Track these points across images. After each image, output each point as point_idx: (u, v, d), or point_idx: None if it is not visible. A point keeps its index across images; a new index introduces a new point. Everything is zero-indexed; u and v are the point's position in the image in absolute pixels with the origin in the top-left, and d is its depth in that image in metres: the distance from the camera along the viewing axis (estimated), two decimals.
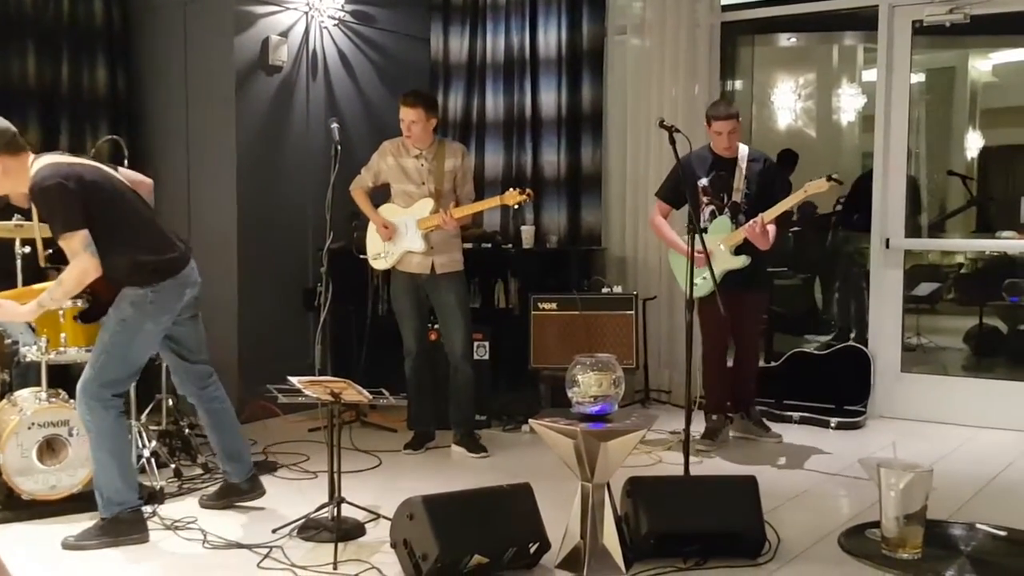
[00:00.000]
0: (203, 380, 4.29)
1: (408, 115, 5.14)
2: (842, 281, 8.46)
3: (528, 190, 5.14)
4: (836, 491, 4.67)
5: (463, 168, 5.30)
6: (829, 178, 5.07)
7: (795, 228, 8.40)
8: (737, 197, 5.31)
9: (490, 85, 7.27)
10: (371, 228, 5.38)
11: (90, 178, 3.78)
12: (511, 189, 5.15)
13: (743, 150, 5.38)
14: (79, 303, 4.32)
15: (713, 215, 5.33)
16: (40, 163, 3.75)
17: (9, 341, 4.71)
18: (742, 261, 5.22)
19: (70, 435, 4.21)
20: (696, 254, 4.73)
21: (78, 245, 3.68)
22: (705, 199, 5.33)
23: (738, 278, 5.19)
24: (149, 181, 4.59)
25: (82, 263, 3.70)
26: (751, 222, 5.15)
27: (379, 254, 5.34)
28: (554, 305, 6.06)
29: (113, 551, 3.77)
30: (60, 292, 3.80)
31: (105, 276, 3.81)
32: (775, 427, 5.64)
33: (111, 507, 3.88)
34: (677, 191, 5.36)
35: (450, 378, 5.39)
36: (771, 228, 5.24)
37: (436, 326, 5.53)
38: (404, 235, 5.24)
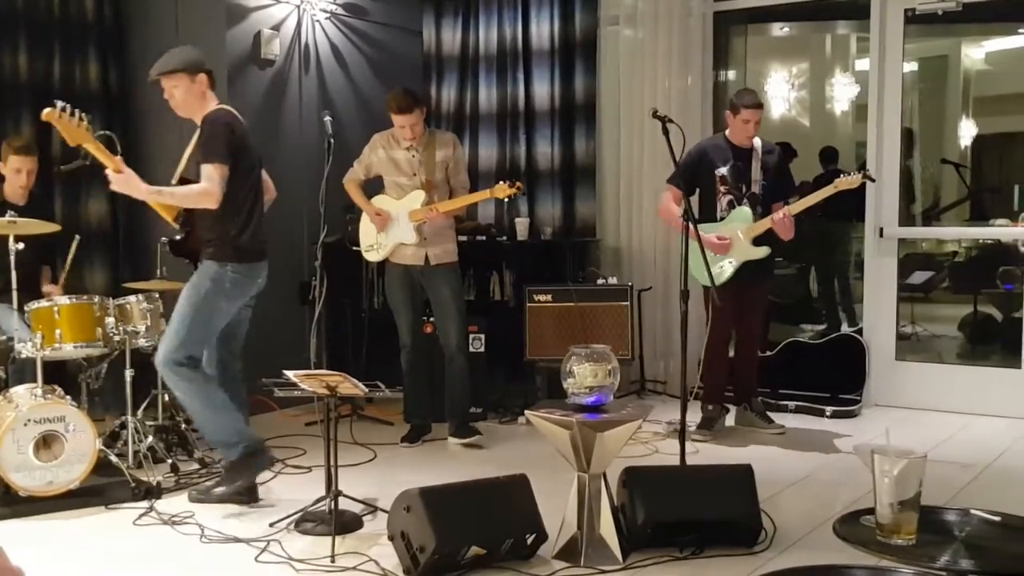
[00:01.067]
0: (231, 365, 4.47)
1: (407, 121, 5.13)
2: (837, 271, 8.49)
3: (519, 183, 5.14)
4: (832, 479, 4.68)
5: (455, 158, 5.30)
6: (863, 175, 5.11)
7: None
8: (755, 188, 5.33)
9: (483, 77, 7.27)
10: (364, 220, 5.38)
11: (248, 144, 4.32)
12: (501, 182, 5.15)
13: (757, 141, 5.40)
14: (178, 233, 4.50)
15: (732, 205, 5.33)
16: (222, 107, 4.37)
17: (4, 338, 4.70)
18: (764, 252, 5.24)
19: (66, 431, 4.21)
20: (718, 241, 4.82)
21: (216, 175, 4.13)
22: (723, 188, 5.34)
23: (753, 270, 5.25)
24: (274, 193, 4.76)
25: (209, 188, 4.12)
26: (780, 212, 5.16)
27: (372, 246, 5.34)
28: (549, 297, 6.06)
29: (105, 548, 3.77)
30: (178, 196, 4.25)
31: (205, 225, 4.24)
32: (773, 417, 5.64)
33: (235, 448, 4.20)
34: (691, 179, 5.36)
35: (445, 370, 5.39)
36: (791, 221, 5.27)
37: (431, 318, 5.53)
38: (396, 227, 5.24)
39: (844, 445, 5.25)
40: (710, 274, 4.53)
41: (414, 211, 5.18)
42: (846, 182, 5.10)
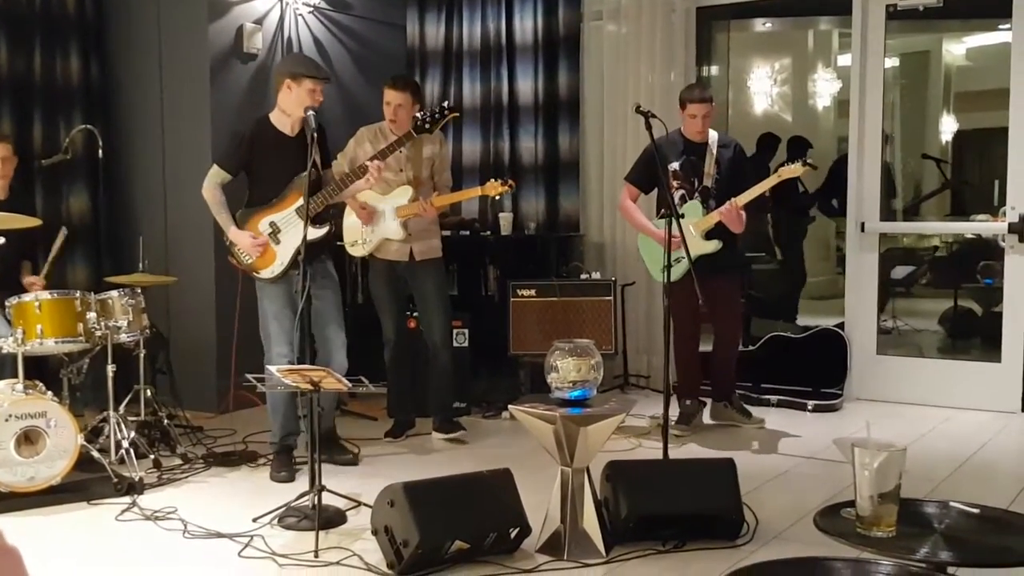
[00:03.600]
0: None
1: (395, 99, 5.12)
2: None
3: (510, 181, 5.14)
4: (813, 472, 4.71)
5: (441, 155, 5.30)
6: (804, 163, 5.09)
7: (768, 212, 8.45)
8: (708, 182, 5.31)
9: (467, 72, 7.27)
10: (348, 215, 5.35)
11: None
12: (492, 180, 5.14)
13: (712, 135, 5.38)
14: (328, 226, 4.67)
15: (683, 199, 5.32)
16: None
17: None
18: (714, 245, 5.23)
19: (48, 427, 4.19)
20: (666, 237, 4.78)
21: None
22: (675, 183, 5.33)
23: (710, 264, 5.17)
24: None
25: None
26: (727, 205, 5.15)
27: (356, 241, 5.32)
28: (533, 291, 6.07)
29: (88, 544, 3.76)
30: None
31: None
32: (754, 411, 5.67)
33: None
34: (647, 175, 5.35)
35: (429, 365, 5.39)
36: (743, 214, 5.26)
37: (414, 313, 5.53)
38: (382, 222, 5.23)
39: (825, 439, 5.28)
40: (667, 272, 4.49)
41: (401, 207, 5.16)
42: (789, 171, 5.08)
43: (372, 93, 5.43)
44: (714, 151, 5.33)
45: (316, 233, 4.50)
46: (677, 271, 4.90)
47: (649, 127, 4.42)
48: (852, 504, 2.39)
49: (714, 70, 7.52)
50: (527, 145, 7.08)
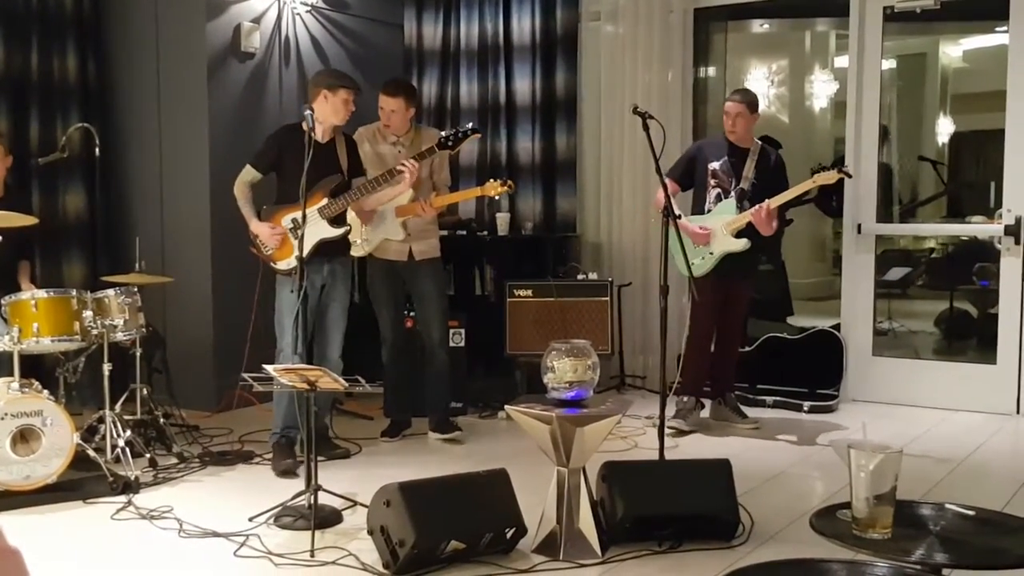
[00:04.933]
0: None
1: (389, 104, 5.16)
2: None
3: (510, 181, 5.15)
4: (809, 473, 4.72)
5: (439, 155, 5.29)
6: (840, 170, 5.18)
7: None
8: (745, 184, 5.39)
9: (464, 72, 7.27)
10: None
11: None
12: (492, 180, 5.15)
13: (758, 142, 5.50)
14: (347, 226, 4.87)
15: (719, 198, 5.40)
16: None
17: None
18: (743, 244, 5.30)
19: (44, 425, 4.18)
20: (699, 231, 4.89)
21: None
22: (713, 182, 5.43)
23: (735, 265, 5.31)
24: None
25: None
26: (757, 206, 5.22)
27: (356, 240, 5.31)
28: (529, 292, 6.07)
29: (84, 543, 3.76)
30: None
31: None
32: (750, 412, 5.69)
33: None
34: (688, 172, 5.48)
35: (426, 365, 5.39)
36: (774, 216, 5.30)
37: (412, 313, 5.53)
38: (382, 222, 5.22)
39: (821, 440, 5.29)
40: (688, 265, 4.61)
41: (401, 207, 5.17)
42: (824, 177, 5.17)
43: (370, 92, 5.42)
44: (755, 156, 5.42)
45: (334, 232, 4.75)
46: (703, 267, 5.06)
47: (647, 128, 4.43)
48: (848, 506, 2.39)
49: (711, 71, 7.52)
50: (524, 145, 7.08)
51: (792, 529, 3.80)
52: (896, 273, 8.54)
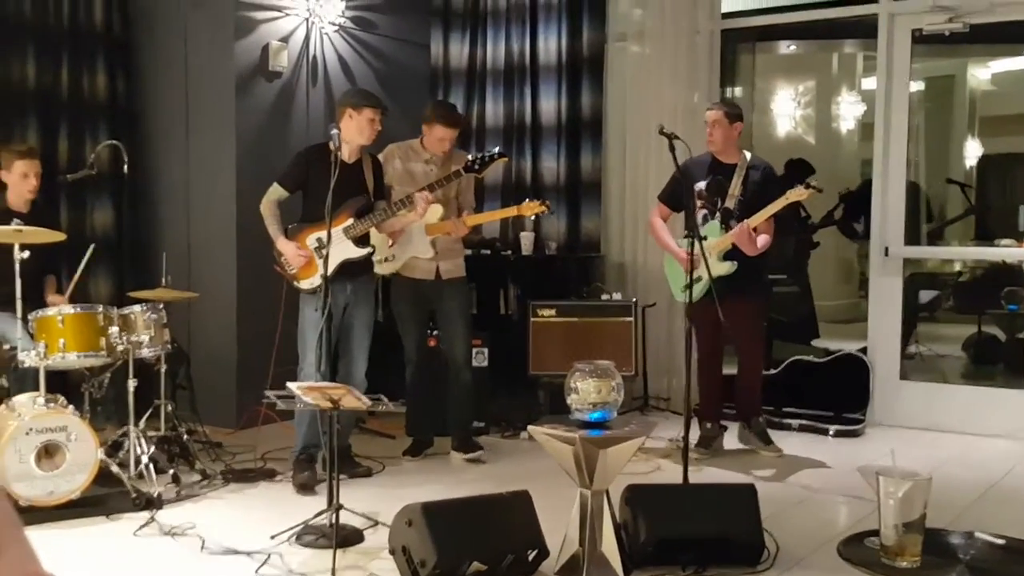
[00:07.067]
0: None
1: (448, 134, 5.19)
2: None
3: (547, 202, 5.15)
4: (835, 499, 4.66)
5: (467, 176, 5.29)
6: (807, 185, 5.04)
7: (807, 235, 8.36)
8: (731, 203, 5.26)
9: (490, 91, 7.29)
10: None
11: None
12: (528, 200, 5.16)
13: (746, 157, 5.36)
14: (370, 247, 4.92)
15: (705, 219, 5.29)
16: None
17: (7, 347, 4.68)
18: (727, 267, 5.17)
19: (68, 441, 4.20)
20: (683, 256, 4.75)
21: None
22: (699, 202, 5.30)
23: (730, 285, 5.07)
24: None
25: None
26: (738, 226, 5.13)
27: (383, 258, 5.30)
28: (553, 312, 6.06)
29: (106, 559, 3.77)
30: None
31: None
32: (775, 435, 5.60)
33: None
34: (677, 194, 5.35)
35: (450, 384, 5.38)
36: (763, 237, 5.21)
37: (434, 332, 5.52)
38: (410, 240, 5.22)
39: (847, 465, 5.22)
40: (689, 292, 4.50)
41: (432, 225, 5.17)
42: (795, 194, 5.02)
43: (396, 111, 5.44)
44: (743, 172, 5.30)
45: (358, 252, 4.80)
46: (697, 291, 4.88)
47: (672, 148, 4.41)
48: (876, 533, 2.37)
49: (738, 92, 7.50)
50: (549, 165, 7.08)
51: (818, 555, 3.74)
52: (923, 296, 8.46)
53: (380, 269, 5.37)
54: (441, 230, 5.16)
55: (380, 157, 5.29)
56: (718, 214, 5.27)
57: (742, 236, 5.10)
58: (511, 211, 5.36)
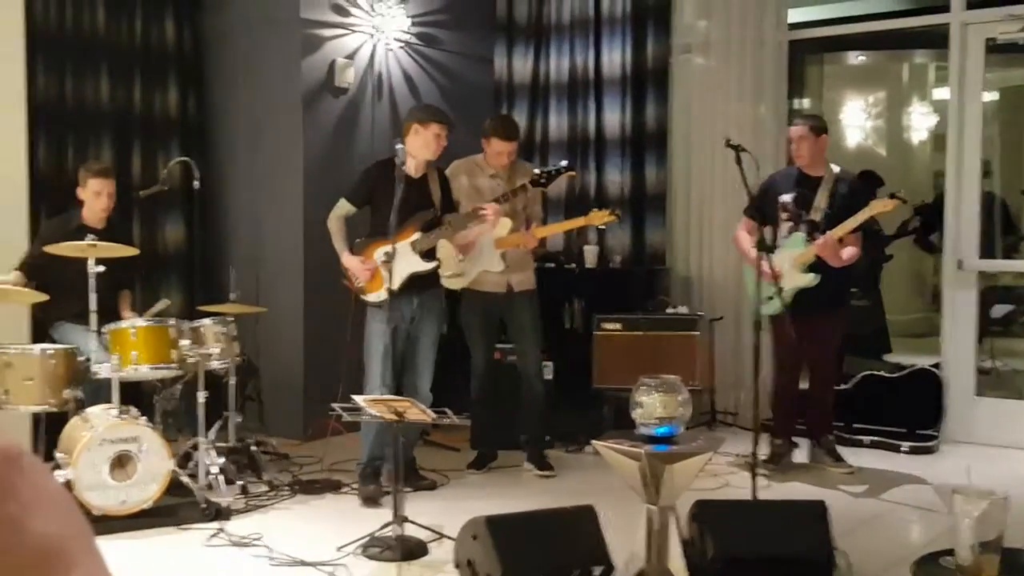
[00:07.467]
0: None
1: (505, 148, 5.22)
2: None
3: (616, 211, 5.14)
4: (908, 517, 4.56)
5: (532, 191, 5.29)
6: (892, 196, 4.98)
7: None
8: (816, 216, 5.20)
9: (554, 105, 7.29)
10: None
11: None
12: (596, 209, 5.15)
13: (834, 169, 5.29)
14: (437, 261, 4.91)
15: (790, 232, 5.25)
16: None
17: (82, 359, 4.79)
18: (810, 279, 5.10)
19: (140, 451, 4.27)
20: (764, 272, 4.68)
21: None
22: (784, 215, 5.26)
23: (811, 299, 5.05)
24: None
25: None
26: (822, 238, 5.07)
27: (454, 273, 5.31)
28: (618, 325, 6.02)
29: (177, 569, 3.82)
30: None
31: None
32: (846, 451, 5.49)
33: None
34: (760, 208, 5.28)
35: (522, 395, 5.38)
36: (850, 249, 5.13)
37: (500, 345, 5.52)
38: (480, 254, 5.23)
39: (920, 482, 5.11)
40: (770, 301, 4.47)
41: (501, 238, 5.18)
42: (880, 204, 4.96)
43: (461, 126, 5.46)
44: (829, 185, 5.23)
45: (425, 266, 4.79)
46: (774, 305, 4.84)
47: (739, 161, 4.37)
48: (951, 553, 2.30)
49: (806, 103, 7.41)
50: (613, 178, 7.05)
51: (891, 575, 3.66)
52: (999, 310, 8.25)
53: (450, 284, 5.37)
54: (510, 243, 5.17)
55: (445, 174, 5.32)
56: (803, 226, 5.21)
57: (826, 247, 5.03)
58: (579, 221, 5.35)
